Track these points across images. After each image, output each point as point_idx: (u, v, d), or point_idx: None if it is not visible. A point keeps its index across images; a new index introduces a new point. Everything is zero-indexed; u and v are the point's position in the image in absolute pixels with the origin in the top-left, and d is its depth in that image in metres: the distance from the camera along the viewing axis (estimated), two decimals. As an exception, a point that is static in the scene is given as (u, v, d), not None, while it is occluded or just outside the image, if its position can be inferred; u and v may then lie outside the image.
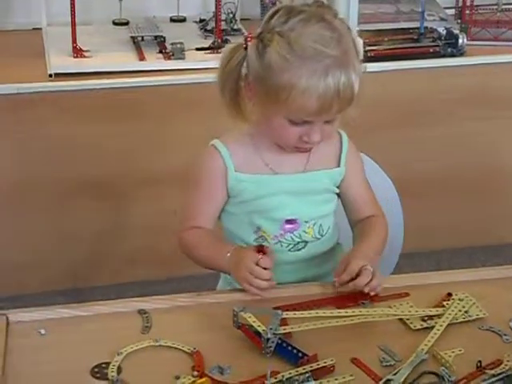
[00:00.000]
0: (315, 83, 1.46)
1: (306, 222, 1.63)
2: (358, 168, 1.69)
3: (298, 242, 1.64)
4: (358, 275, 1.49)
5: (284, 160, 1.61)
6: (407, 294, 1.53)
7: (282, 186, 1.61)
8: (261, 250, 1.51)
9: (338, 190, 1.66)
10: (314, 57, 1.46)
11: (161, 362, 1.36)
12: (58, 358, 1.36)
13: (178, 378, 1.31)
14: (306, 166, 1.62)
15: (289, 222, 1.62)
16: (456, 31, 2.82)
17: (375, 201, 1.70)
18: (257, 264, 1.48)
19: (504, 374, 1.32)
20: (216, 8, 2.76)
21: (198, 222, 1.63)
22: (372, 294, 1.49)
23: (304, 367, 1.33)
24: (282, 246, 1.63)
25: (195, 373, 1.32)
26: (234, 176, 1.61)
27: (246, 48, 1.52)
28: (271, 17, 1.51)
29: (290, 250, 1.64)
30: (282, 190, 1.61)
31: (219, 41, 2.75)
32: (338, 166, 1.65)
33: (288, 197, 1.61)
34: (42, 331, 1.42)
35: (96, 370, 1.33)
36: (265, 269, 1.49)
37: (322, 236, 1.65)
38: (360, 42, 2.66)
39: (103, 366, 1.34)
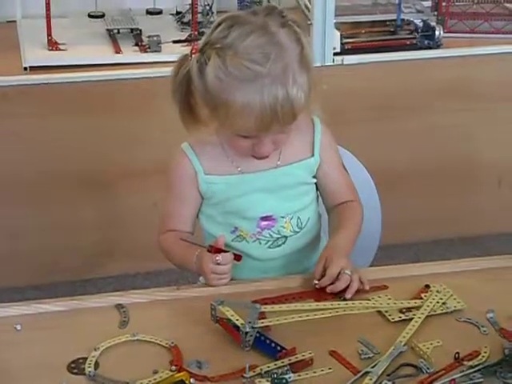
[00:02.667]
0: (251, 103, 1.44)
1: (283, 217, 1.62)
2: (333, 154, 1.67)
3: (278, 238, 1.63)
4: (336, 278, 1.50)
5: (254, 159, 1.58)
6: (386, 287, 1.53)
7: (253, 184, 1.60)
8: (215, 249, 1.51)
9: (315, 180, 1.66)
10: (249, 78, 1.44)
11: (138, 357, 1.35)
12: (34, 354, 1.35)
13: (155, 372, 1.30)
14: (278, 162, 1.61)
15: (264, 219, 1.61)
16: (433, 23, 2.82)
17: (351, 186, 1.70)
18: (218, 263, 1.50)
19: (481, 366, 1.32)
20: (192, 0, 2.74)
21: (173, 225, 1.64)
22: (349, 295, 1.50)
23: (282, 360, 1.33)
24: (260, 243, 1.63)
25: (173, 367, 1.31)
26: (204, 179, 1.60)
27: (191, 60, 1.51)
28: (216, 27, 1.49)
29: (269, 247, 1.63)
30: (253, 188, 1.60)
31: (196, 33, 2.74)
32: (313, 155, 1.64)
33: (261, 194, 1.61)
34: (18, 327, 1.41)
35: (73, 365, 1.33)
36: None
37: (300, 229, 1.64)
38: (334, 34, 2.67)
39: (80, 361, 1.33)
